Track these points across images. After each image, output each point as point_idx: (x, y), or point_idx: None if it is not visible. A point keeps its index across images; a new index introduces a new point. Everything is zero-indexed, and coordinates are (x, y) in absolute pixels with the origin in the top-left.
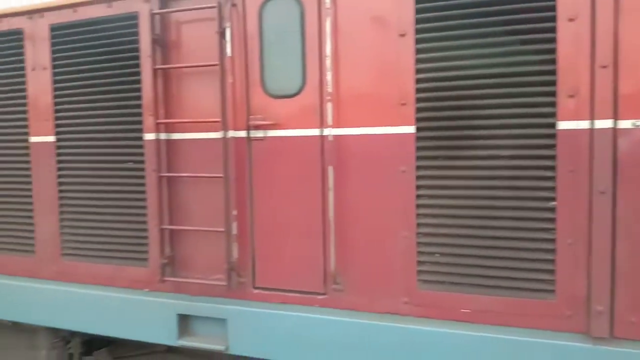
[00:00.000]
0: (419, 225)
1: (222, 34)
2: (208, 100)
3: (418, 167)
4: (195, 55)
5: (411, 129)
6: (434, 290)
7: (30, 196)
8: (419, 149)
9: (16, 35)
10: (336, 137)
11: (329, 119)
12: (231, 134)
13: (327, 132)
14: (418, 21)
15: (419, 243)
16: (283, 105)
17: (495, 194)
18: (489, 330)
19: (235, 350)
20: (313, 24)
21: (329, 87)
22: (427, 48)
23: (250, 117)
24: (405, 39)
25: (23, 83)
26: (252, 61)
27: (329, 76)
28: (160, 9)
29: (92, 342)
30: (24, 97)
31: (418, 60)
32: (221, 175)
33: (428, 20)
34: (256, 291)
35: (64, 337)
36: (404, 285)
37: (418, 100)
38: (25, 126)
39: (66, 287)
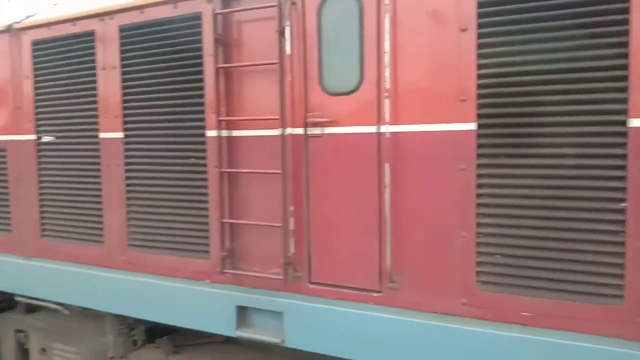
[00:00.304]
0: (478, 225)
1: (281, 33)
2: (267, 97)
3: (479, 165)
4: (255, 54)
5: (472, 126)
6: (494, 291)
7: (100, 189)
8: (479, 146)
9: (88, 37)
10: (393, 134)
11: (387, 115)
12: (289, 131)
13: (385, 129)
14: (480, 15)
15: (478, 243)
16: (340, 102)
17: (560, 194)
18: (550, 334)
19: (290, 344)
20: (372, 21)
21: (387, 84)
22: (489, 43)
23: (308, 114)
24: (466, 33)
25: (94, 82)
26: (311, 59)
27: (387, 72)
28: (222, 9)
29: (155, 330)
30: (95, 96)
31: (480, 55)
32: (279, 171)
33: (491, 14)
34: (312, 286)
35: (129, 324)
36: (462, 286)
37: (479, 96)
38: (96, 123)
39: (132, 276)
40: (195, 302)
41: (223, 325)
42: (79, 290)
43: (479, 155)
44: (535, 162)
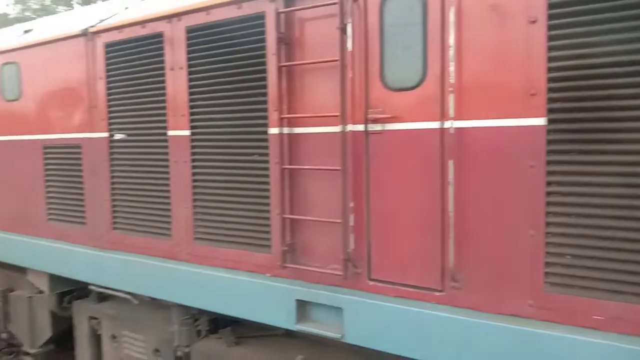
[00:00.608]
0: (548, 224)
1: (343, 30)
2: (328, 95)
3: (549, 162)
4: (317, 52)
5: (541, 121)
6: (563, 293)
7: (168, 185)
8: (550, 142)
9: (157, 38)
10: (458, 129)
11: (451, 111)
12: (349, 127)
13: (448, 124)
14: (551, 6)
15: (547, 243)
16: (402, 98)
17: (636, 193)
18: (624, 340)
19: (350, 339)
20: (436, 14)
21: (452, 78)
22: (561, 34)
23: (369, 110)
24: (536, 25)
25: (163, 82)
26: (372, 55)
27: (451, 67)
28: (285, 8)
29: (218, 321)
30: (164, 95)
31: (550, 48)
32: (339, 168)
33: (563, 4)
34: (372, 283)
35: (193, 314)
36: (529, 287)
37: (550, 90)
38: (165, 121)
39: (197, 268)
40: (256, 295)
41: (283, 318)
42: (147, 281)
43: (549, 152)
44: (609, 159)
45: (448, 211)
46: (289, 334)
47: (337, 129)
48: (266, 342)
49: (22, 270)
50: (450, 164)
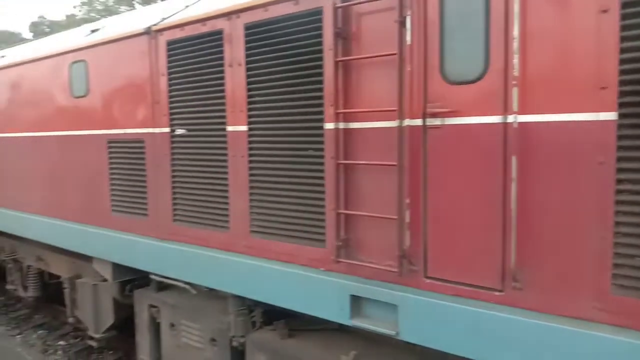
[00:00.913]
0: (617, 223)
1: (402, 23)
2: (384, 89)
3: (619, 159)
4: (374, 46)
5: (612, 116)
6: (633, 296)
7: (226, 179)
8: (621, 137)
9: (217, 35)
10: (522, 124)
11: (514, 105)
12: (407, 122)
13: (512, 119)
14: None
15: (616, 243)
16: (462, 92)
17: None
18: None
19: (405, 337)
20: (499, 4)
21: (515, 71)
22: (635, 24)
23: (428, 104)
24: (607, 15)
25: (222, 78)
26: (432, 48)
27: (515, 59)
28: (343, 2)
29: (272, 313)
30: (223, 91)
31: (623, 39)
32: (395, 163)
33: None
34: (428, 280)
35: (248, 305)
36: (594, 289)
37: (622, 83)
38: (224, 117)
39: (253, 261)
40: (311, 288)
41: (337, 313)
42: (205, 271)
43: (620, 148)
44: None
45: (510, 209)
46: (340, 328)
47: (394, 123)
48: (319, 335)
49: (88, 258)
50: (513, 160)
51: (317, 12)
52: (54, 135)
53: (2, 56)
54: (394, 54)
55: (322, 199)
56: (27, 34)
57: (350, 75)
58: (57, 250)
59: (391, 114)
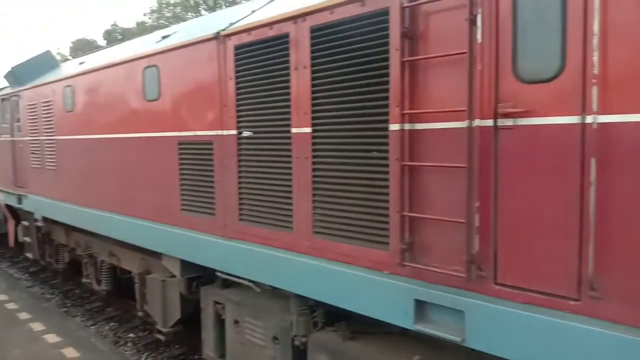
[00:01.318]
0: None
1: (472, 21)
2: (452, 89)
3: None
4: (442, 45)
5: None
6: None
7: (290, 180)
8: None
9: (283, 39)
10: (601, 124)
11: (594, 104)
12: (476, 122)
13: (591, 119)
14: None
15: None
16: (537, 91)
17: None
18: None
19: (472, 344)
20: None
21: (595, 69)
22: None
23: (499, 104)
24: None
25: (288, 81)
26: (504, 46)
27: (595, 56)
28: (410, 1)
29: (334, 314)
30: (288, 94)
31: None
32: (464, 165)
33: None
34: (497, 287)
35: (310, 306)
36: None
37: None
38: (289, 119)
39: (316, 261)
40: (374, 291)
41: (401, 317)
42: (269, 270)
43: None
44: None
45: (588, 213)
46: (403, 332)
47: (462, 124)
48: (381, 338)
49: (157, 255)
50: (592, 162)
51: (384, 13)
52: (127, 137)
53: (82, 62)
54: (464, 53)
55: (386, 201)
56: (102, 41)
57: (417, 76)
58: (129, 247)
59: (460, 114)
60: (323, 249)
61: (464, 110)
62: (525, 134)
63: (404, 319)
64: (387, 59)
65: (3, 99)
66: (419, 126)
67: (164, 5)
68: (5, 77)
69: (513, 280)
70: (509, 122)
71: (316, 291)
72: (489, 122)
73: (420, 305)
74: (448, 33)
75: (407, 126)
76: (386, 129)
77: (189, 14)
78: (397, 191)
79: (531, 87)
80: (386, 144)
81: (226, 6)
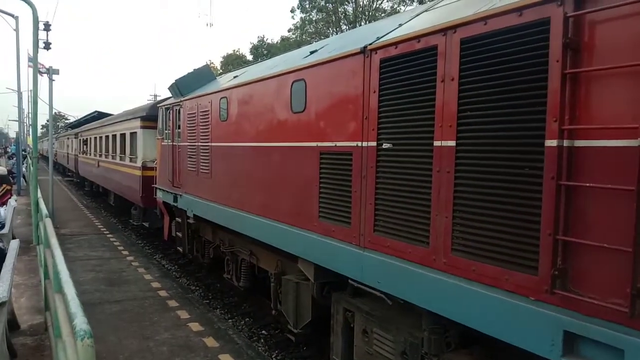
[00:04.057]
0: None
1: None
2: (621, 104)
3: None
4: (610, 56)
5: None
6: None
7: (429, 194)
8: None
9: (431, 52)
10: None
11: None
12: None
13: None
14: None
15: None
16: None
17: None
18: None
19: None
20: None
21: None
22: None
23: None
24: None
25: (433, 94)
26: None
27: None
28: (575, 11)
29: (469, 336)
30: (433, 106)
31: None
32: (633, 188)
33: None
34: None
35: (443, 324)
36: None
37: None
38: (432, 132)
39: (453, 279)
40: (517, 317)
41: (546, 347)
42: (402, 284)
43: None
44: None
45: None
46: None
47: (633, 142)
48: None
49: (293, 258)
50: None
51: (544, 23)
52: (273, 146)
53: (236, 76)
54: None
55: (537, 222)
56: (249, 56)
57: (579, 89)
58: (268, 248)
59: (628, 131)
60: (461, 267)
61: (636, 128)
62: None
63: (549, 350)
64: (545, 71)
65: (167, 108)
66: (579, 143)
67: (307, 22)
68: (169, 88)
69: None
70: None
71: (452, 311)
72: None
73: (570, 338)
74: (619, 42)
75: (565, 142)
76: (541, 144)
77: (330, 29)
78: (551, 212)
79: None
80: (540, 160)
81: (366, 21)
